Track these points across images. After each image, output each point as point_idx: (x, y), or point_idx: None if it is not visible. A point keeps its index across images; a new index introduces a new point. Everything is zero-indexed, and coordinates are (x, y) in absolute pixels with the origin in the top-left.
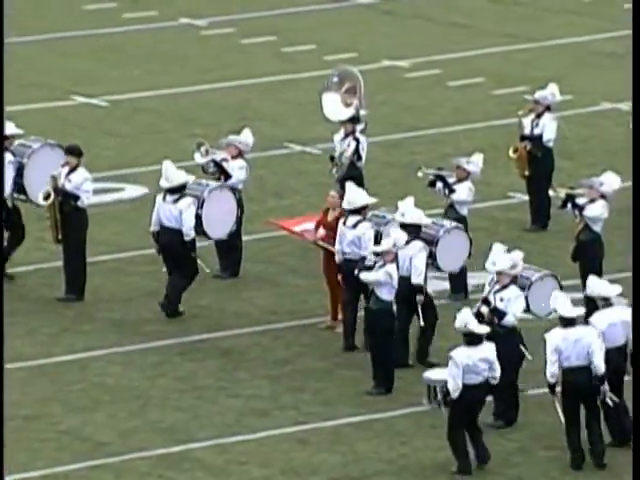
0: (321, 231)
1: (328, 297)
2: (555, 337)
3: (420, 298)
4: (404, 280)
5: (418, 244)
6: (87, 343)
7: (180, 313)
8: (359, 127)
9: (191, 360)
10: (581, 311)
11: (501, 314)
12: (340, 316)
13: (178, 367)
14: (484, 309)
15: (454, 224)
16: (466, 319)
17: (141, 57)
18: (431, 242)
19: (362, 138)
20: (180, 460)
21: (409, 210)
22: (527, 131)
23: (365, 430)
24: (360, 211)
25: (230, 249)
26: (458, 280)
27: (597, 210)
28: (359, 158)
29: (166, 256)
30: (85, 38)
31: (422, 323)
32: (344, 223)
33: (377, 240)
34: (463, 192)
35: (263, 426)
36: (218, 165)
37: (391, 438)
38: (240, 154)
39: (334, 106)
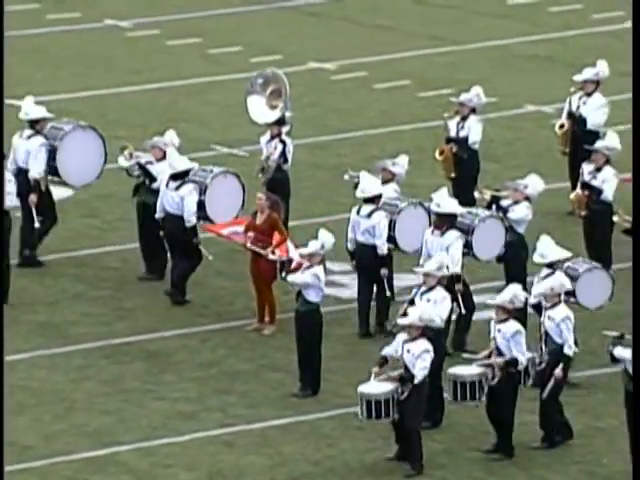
0: (250, 234)
1: (255, 299)
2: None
3: (459, 287)
4: None
5: (454, 233)
6: (12, 346)
7: (186, 301)
8: (285, 129)
9: (117, 363)
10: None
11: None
12: (267, 318)
13: (104, 370)
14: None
15: (489, 212)
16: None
17: (66, 58)
18: (467, 231)
19: (288, 140)
20: (106, 463)
21: (444, 200)
22: (453, 133)
23: (292, 432)
24: (374, 200)
25: (156, 251)
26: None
27: (521, 212)
28: (285, 161)
29: (170, 243)
30: (9, 39)
31: (463, 311)
32: (358, 212)
33: (391, 228)
34: (389, 194)
35: (189, 429)
36: (143, 168)
37: (318, 440)
38: (165, 156)
39: (260, 109)
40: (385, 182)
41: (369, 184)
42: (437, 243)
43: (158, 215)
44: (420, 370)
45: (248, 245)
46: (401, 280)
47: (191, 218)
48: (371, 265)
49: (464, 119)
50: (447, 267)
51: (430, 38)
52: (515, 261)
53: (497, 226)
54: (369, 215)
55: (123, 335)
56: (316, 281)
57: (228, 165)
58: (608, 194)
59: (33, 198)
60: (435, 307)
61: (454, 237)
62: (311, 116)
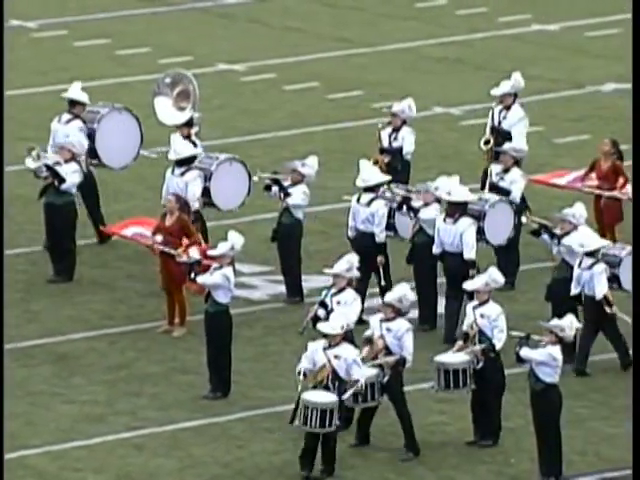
0: (158, 237)
1: (165, 301)
2: None
3: (473, 272)
4: (454, 257)
5: (467, 220)
6: None
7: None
8: (194, 131)
9: (25, 366)
10: None
11: None
12: (177, 320)
13: (11, 373)
14: (321, 312)
15: (497, 197)
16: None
17: None
18: (478, 217)
19: (198, 142)
20: (14, 467)
21: (455, 188)
22: (386, 144)
23: (201, 435)
24: (374, 189)
25: (64, 253)
26: (293, 284)
27: (431, 213)
28: None
29: None
30: None
31: (383, 283)
32: (358, 200)
33: (390, 216)
34: (298, 196)
35: (98, 432)
36: (50, 169)
37: (227, 442)
38: (73, 157)
39: (168, 110)
40: (294, 183)
41: (369, 173)
42: (450, 231)
43: (164, 201)
44: (499, 337)
45: (158, 247)
46: (310, 282)
47: (194, 203)
48: (369, 253)
49: (397, 130)
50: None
51: (339, 40)
52: (425, 262)
53: (506, 210)
54: (369, 203)
55: (31, 338)
56: (226, 282)
57: (139, 167)
58: (516, 195)
59: None
60: (345, 309)
61: (467, 224)
62: (221, 117)
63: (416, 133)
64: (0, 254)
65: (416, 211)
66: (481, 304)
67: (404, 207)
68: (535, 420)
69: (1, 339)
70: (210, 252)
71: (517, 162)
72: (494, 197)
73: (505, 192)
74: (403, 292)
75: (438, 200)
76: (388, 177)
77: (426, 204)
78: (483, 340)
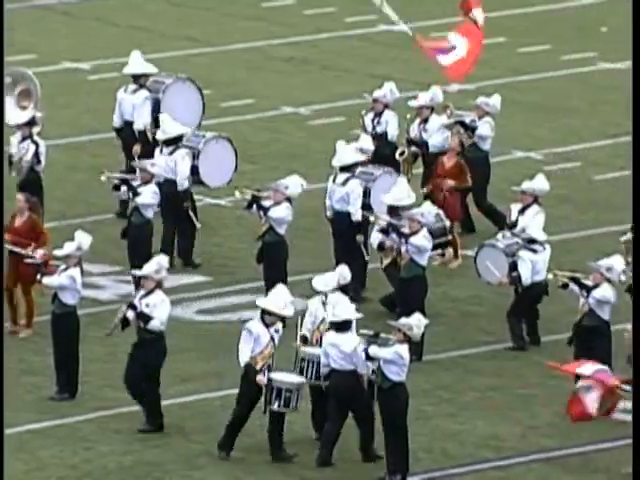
0: (7, 236)
1: (6, 300)
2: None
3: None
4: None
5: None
6: None
7: (198, 264)
8: (36, 130)
9: None
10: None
11: (147, 318)
12: (23, 321)
13: None
14: (130, 314)
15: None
16: None
17: None
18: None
19: (41, 141)
20: None
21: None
22: (369, 129)
23: (48, 437)
24: (349, 168)
25: None
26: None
27: (282, 212)
28: (38, 162)
29: (167, 208)
30: None
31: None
32: (334, 180)
33: (365, 195)
34: (147, 195)
35: None
36: (126, 182)
37: (75, 443)
38: (152, 179)
39: (10, 109)
40: (145, 183)
41: (344, 153)
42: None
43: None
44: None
45: (7, 246)
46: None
47: (184, 182)
48: (347, 231)
49: (379, 115)
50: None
51: (185, 39)
52: (275, 261)
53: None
54: (344, 183)
55: None
56: (72, 283)
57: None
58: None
59: (137, 149)
60: (154, 310)
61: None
62: (66, 116)
63: (264, 133)
64: (0, 254)
65: (266, 210)
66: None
67: (254, 206)
68: (382, 418)
69: (1, 340)
70: (56, 252)
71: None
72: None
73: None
74: (159, 262)
75: (289, 199)
76: (362, 157)
77: (276, 203)
78: None
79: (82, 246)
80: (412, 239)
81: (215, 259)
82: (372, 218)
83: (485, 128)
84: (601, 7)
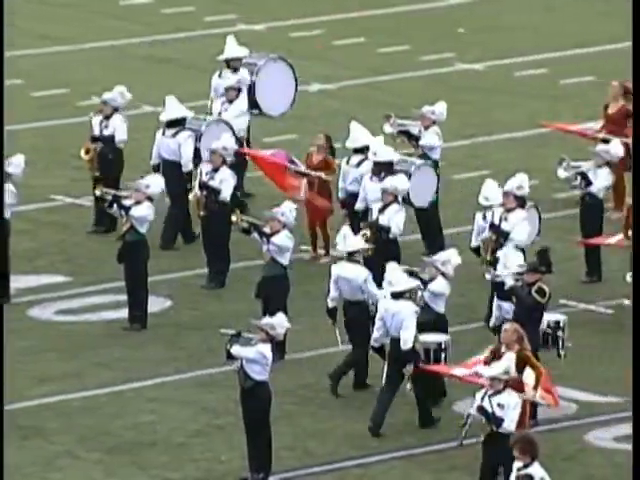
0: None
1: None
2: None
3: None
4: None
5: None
6: None
7: (196, 237)
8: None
9: None
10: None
11: None
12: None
13: None
14: None
15: (422, 160)
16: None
17: None
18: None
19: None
20: None
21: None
22: (97, 132)
23: None
24: (363, 150)
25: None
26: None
27: (143, 211)
28: None
29: (173, 192)
30: None
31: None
32: (347, 162)
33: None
34: (143, 208)
35: None
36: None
37: None
38: (224, 162)
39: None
40: (137, 203)
41: (359, 134)
42: (376, 188)
43: (153, 162)
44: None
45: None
46: (17, 282)
47: (189, 164)
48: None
49: (107, 118)
50: None
51: (42, 37)
52: (136, 260)
53: (430, 173)
54: (358, 164)
55: None
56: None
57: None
58: (226, 194)
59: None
60: None
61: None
62: None
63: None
64: (2, 254)
65: (128, 209)
66: None
67: (114, 206)
68: (245, 417)
69: (1, 342)
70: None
71: (224, 161)
72: (419, 160)
73: (216, 191)
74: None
75: (150, 198)
76: (379, 139)
77: (138, 202)
78: None
79: None
80: (273, 238)
81: (76, 259)
82: (234, 218)
83: (432, 138)
84: (460, 9)
